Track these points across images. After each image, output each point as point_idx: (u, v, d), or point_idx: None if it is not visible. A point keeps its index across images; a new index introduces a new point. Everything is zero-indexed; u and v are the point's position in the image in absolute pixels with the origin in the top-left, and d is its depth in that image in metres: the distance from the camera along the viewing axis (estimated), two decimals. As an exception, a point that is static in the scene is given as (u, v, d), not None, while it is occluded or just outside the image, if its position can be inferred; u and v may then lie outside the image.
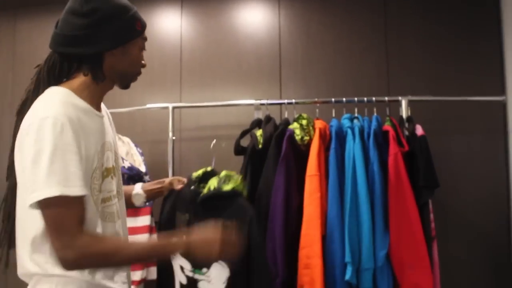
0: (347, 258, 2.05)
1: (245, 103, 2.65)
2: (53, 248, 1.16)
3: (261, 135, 2.34)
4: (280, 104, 2.66)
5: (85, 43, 1.27)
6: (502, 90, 2.69)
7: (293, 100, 2.52)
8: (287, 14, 2.98)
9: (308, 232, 2.12)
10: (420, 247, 2.10)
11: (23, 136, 1.19)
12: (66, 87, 1.29)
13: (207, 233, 1.32)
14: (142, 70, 1.43)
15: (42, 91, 1.28)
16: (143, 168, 2.67)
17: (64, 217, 1.15)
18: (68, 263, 1.16)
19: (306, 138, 2.28)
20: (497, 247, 2.66)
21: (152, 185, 1.87)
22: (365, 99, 2.44)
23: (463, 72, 2.75)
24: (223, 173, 1.89)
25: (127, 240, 1.44)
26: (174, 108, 2.68)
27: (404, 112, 2.43)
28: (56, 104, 1.21)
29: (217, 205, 1.82)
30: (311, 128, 2.32)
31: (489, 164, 2.70)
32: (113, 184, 1.38)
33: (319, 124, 2.34)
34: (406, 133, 2.36)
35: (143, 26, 1.38)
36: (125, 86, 1.42)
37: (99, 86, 1.34)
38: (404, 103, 2.43)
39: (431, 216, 2.23)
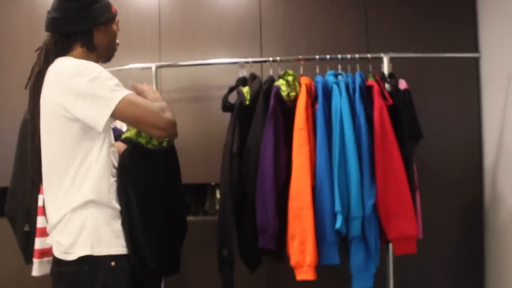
0: (337, 208, 2.11)
1: (229, 61, 2.65)
2: (151, 128, 1.48)
3: (247, 92, 2.36)
4: (263, 61, 2.67)
5: (79, 22, 1.59)
6: (475, 48, 2.80)
7: (278, 58, 2.53)
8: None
9: (298, 183, 2.17)
10: (405, 196, 2.19)
11: (64, 81, 1.46)
12: (71, 57, 1.58)
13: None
14: (119, 37, 1.74)
15: (52, 62, 1.56)
16: (124, 128, 2.64)
17: (144, 102, 1.48)
18: (168, 124, 1.49)
19: (292, 94, 2.32)
20: (470, 198, 2.81)
21: None
22: (348, 56, 2.48)
23: (439, 30, 2.84)
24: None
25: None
26: (157, 67, 2.65)
27: (386, 68, 2.49)
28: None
29: None
30: (297, 84, 2.35)
31: (463, 119, 2.82)
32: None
33: (305, 80, 2.37)
34: (389, 88, 2.43)
35: (115, 10, 1.71)
36: (107, 59, 1.75)
37: (92, 56, 1.64)
38: (386, 59, 2.49)
39: (414, 167, 2.32)
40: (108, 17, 1.66)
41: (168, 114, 1.49)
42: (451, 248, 2.82)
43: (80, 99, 1.43)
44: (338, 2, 2.91)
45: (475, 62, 2.82)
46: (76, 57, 1.57)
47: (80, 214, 1.48)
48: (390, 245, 2.38)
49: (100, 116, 1.42)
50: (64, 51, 1.59)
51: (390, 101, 2.28)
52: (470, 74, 2.83)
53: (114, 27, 1.70)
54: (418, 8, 2.87)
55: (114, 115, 1.43)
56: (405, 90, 2.28)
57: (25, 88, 1.63)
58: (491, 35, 2.68)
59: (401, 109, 2.26)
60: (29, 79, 1.61)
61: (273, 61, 2.53)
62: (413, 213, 2.20)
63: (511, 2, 2.39)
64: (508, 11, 2.43)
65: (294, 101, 2.32)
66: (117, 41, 1.74)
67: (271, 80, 2.40)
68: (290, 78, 2.34)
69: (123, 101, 1.42)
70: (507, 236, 2.49)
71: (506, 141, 2.49)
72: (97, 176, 1.48)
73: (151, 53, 2.98)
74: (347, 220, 2.16)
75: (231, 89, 2.43)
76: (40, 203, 2.33)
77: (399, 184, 2.19)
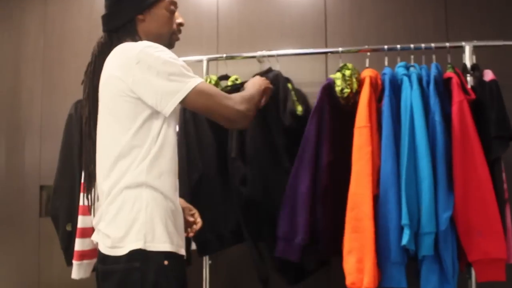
0: (404, 220, 1.77)
1: (288, 53, 2.40)
2: (222, 120, 1.43)
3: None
4: (323, 53, 2.40)
5: (118, 16, 1.51)
6: None
7: (340, 49, 2.23)
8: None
9: (357, 191, 1.86)
10: (492, 210, 1.80)
11: (132, 64, 1.35)
12: None
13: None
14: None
15: (109, 53, 1.46)
16: None
17: (215, 92, 1.41)
18: (243, 114, 1.44)
19: (347, 90, 2.03)
20: None
21: None
22: (423, 45, 2.14)
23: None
24: None
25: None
26: (209, 60, 2.44)
27: (468, 59, 2.11)
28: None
29: None
30: (354, 80, 2.04)
31: None
32: None
33: (369, 72, 2.05)
34: (471, 82, 2.05)
35: None
36: (168, 44, 1.53)
37: None
38: (468, 49, 2.11)
39: (504, 175, 1.92)
40: (149, 2, 1.50)
41: (242, 106, 1.43)
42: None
43: (150, 78, 1.36)
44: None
45: None
46: None
47: (133, 201, 1.32)
48: (472, 269, 1.97)
49: (169, 104, 1.35)
50: (110, 50, 1.48)
51: (473, 95, 1.91)
52: None
53: (162, 10, 1.52)
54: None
55: (184, 103, 1.37)
56: (492, 81, 1.90)
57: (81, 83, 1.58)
58: None
59: (487, 104, 1.88)
60: (85, 73, 1.57)
61: (333, 52, 2.24)
62: (502, 230, 1.80)
63: None
64: None
65: (348, 98, 2.03)
66: (179, 20, 1.58)
67: (275, 73, 2.21)
68: (347, 72, 2.04)
69: (194, 91, 1.35)
70: None
71: None
72: (156, 159, 1.36)
73: (208, 47, 2.80)
74: (416, 236, 1.81)
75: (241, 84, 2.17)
76: (81, 202, 2.21)
77: (484, 195, 1.81)
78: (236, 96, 1.46)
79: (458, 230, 1.82)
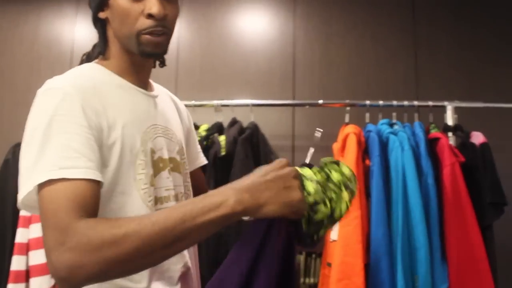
0: (402, 293, 1.62)
1: (241, 103, 2.22)
2: (45, 252, 0.78)
3: (224, 140, 2.01)
4: (295, 105, 2.28)
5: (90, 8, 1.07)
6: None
7: (320, 101, 2.12)
8: (303, 12, 2.61)
9: (346, 259, 1.70)
10: (485, 280, 1.70)
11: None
12: (97, 62, 1.07)
13: (265, 172, 0.86)
14: None
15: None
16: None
17: (58, 207, 0.79)
18: (62, 272, 0.75)
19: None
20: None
21: None
22: (405, 102, 2.07)
23: (499, 81, 2.43)
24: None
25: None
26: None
27: (450, 119, 2.06)
28: (68, 75, 0.97)
29: None
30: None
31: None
32: (172, 181, 1.06)
33: (352, 129, 1.94)
34: (454, 143, 1.99)
35: None
36: (139, 51, 1.01)
37: (127, 59, 1.05)
38: (449, 109, 2.07)
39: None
40: None
41: (67, 255, 0.75)
42: None
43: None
44: (383, 45, 2.53)
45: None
46: (104, 62, 1.06)
47: None
48: None
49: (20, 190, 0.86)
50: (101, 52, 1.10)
51: (462, 158, 1.83)
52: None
53: (123, 1, 0.99)
54: (476, 51, 2.47)
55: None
56: (484, 145, 1.85)
57: None
58: None
59: (478, 168, 1.81)
60: None
61: (310, 105, 2.15)
62: (497, 303, 1.70)
63: None
64: None
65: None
66: (147, 11, 0.98)
67: (254, 126, 2.06)
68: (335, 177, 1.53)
69: (37, 191, 0.83)
70: None
71: None
72: None
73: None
74: (413, 310, 1.66)
75: (206, 138, 2.03)
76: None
77: (478, 262, 1.72)
78: (91, 226, 0.78)
79: (452, 302, 1.70)
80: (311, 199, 0.85)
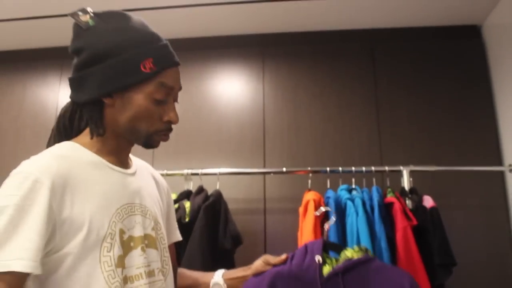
0: None
1: (209, 172, 2.34)
2: None
3: (189, 207, 2.12)
4: (266, 173, 2.40)
5: (77, 89, 1.07)
6: (499, 161, 2.53)
7: (284, 169, 2.27)
8: (272, 80, 2.80)
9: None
10: None
11: None
12: (76, 141, 1.09)
13: None
14: None
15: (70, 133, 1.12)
16: None
17: None
18: None
19: None
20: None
21: (237, 272, 1.43)
22: (363, 168, 2.21)
23: (457, 144, 2.59)
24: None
25: None
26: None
27: (406, 182, 2.20)
28: (42, 158, 1.00)
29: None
30: None
31: (493, 239, 2.46)
32: (147, 258, 1.09)
33: (312, 195, 2.08)
34: (410, 206, 2.12)
35: (158, 65, 1.05)
36: (145, 144, 1.11)
37: (115, 144, 1.11)
38: (405, 173, 2.22)
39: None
40: (126, 82, 1.03)
41: None
42: None
43: None
44: (348, 111, 2.70)
45: (501, 175, 2.53)
46: (85, 140, 1.09)
47: None
48: None
49: None
50: (79, 128, 1.13)
51: (414, 221, 1.96)
52: (497, 187, 2.53)
53: (143, 96, 1.04)
54: (435, 117, 2.65)
55: None
56: (433, 209, 1.98)
57: None
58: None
59: (429, 231, 1.93)
60: None
61: (275, 173, 2.29)
62: None
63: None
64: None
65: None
66: (168, 118, 1.08)
67: (217, 194, 2.17)
68: None
69: None
70: None
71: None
72: None
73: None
74: None
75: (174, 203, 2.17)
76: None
77: (432, 324, 1.80)
78: None
79: None
80: None
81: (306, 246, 1.41)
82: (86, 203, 0.99)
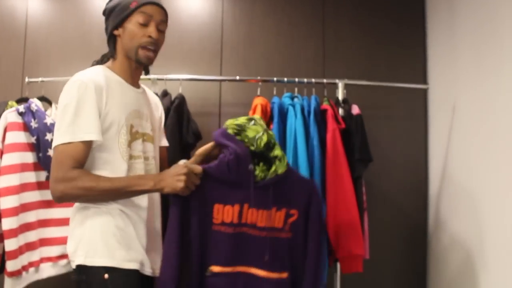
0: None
1: (173, 77, 2.63)
2: (50, 182, 1.43)
3: None
4: (222, 80, 2.73)
5: (105, 31, 1.68)
6: (424, 79, 2.96)
7: (237, 77, 2.61)
8: (230, -3, 3.06)
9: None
10: (354, 216, 2.26)
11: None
12: (106, 65, 1.65)
13: (173, 169, 1.51)
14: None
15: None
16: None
17: (64, 157, 1.43)
18: (56, 195, 1.43)
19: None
20: (415, 221, 2.94)
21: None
22: (305, 80, 2.57)
23: (392, 60, 2.99)
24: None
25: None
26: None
27: (341, 94, 2.59)
28: (89, 72, 1.54)
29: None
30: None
31: (411, 147, 2.97)
32: (143, 147, 1.65)
33: (260, 100, 2.44)
34: (342, 113, 2.53)
35: (139, 2, 1.58)
36: (137, 61, 1.62)
37: (127, 64, 1.64)
38: (340, 85, 2.60)
39: (363, 189, 2.41)
40: (121, 17, 1.59)
41: (60, 187, 1.42)
42: (396, 269, 2.93)
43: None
44: (298, 28, 3.02)
45: (424, 93, 2.97)
46: (110, 65, 1.65)
47: (82, 219, 1.54)
48: (338, 264, 2.44)
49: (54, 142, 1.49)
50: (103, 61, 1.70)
51: (343, 125, 2.38)
52: (419, 104, 2.99)
53: (132, 24, 1.58)
54: (373, 38, 3.01)
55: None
56: (358, 115, 2.39)
57: None
58: (438, 68, 2.84)
59: (353, 133, 2.36)
60: None
61: (229, 80, 2.64)
62: (361, 233, 2.27)
63: (457, 37, 2.55)
64: (454, 46, 2.59)
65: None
66: (148, 34, 1.58)
67: (181, 97, 2.52)
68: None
69: (55, 148, 1.47)
70: (448, 259, 2.60)
71: (450, 169, 2.62)
72: None
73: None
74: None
75: None
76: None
77: (348, 204, 2.26)
78: (77, 176, 1.43)
79: (328, 233, 2.26)
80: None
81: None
82: (113, 104, 1.53)
